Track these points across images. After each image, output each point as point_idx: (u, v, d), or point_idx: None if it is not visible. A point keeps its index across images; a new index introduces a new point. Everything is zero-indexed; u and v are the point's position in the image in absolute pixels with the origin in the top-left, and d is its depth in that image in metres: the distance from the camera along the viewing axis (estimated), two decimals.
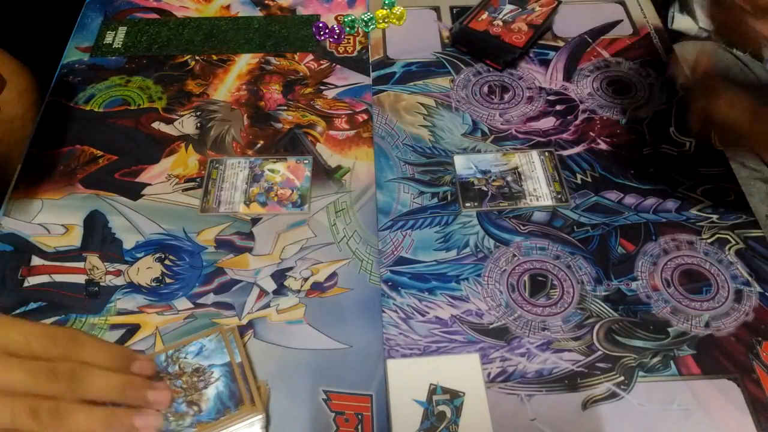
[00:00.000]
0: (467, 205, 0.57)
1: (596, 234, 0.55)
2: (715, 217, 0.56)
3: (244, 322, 0.50)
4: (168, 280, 0.52)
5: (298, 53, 0.70)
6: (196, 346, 0.47)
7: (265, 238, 0.55)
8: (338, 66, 0.69)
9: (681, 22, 0.82)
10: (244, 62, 0.69)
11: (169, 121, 0.64)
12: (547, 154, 0.61)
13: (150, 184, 0.59)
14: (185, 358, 0.46)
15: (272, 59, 0.70)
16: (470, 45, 0.70)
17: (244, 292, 0.52)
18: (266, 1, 0.76)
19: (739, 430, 0.45)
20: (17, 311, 0.51)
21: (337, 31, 0.71)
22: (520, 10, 0.71)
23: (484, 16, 0.71)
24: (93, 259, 0.54)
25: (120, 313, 0.51)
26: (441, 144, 0.62)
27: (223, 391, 0.45)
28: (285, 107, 0.65)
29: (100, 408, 0.39)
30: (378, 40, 0.72)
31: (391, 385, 0.47)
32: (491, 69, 0.69)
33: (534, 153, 0.61)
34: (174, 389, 0.44)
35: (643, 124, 0.63)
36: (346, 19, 0.73)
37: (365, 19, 0.72)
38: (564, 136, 0.62)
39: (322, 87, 0.67)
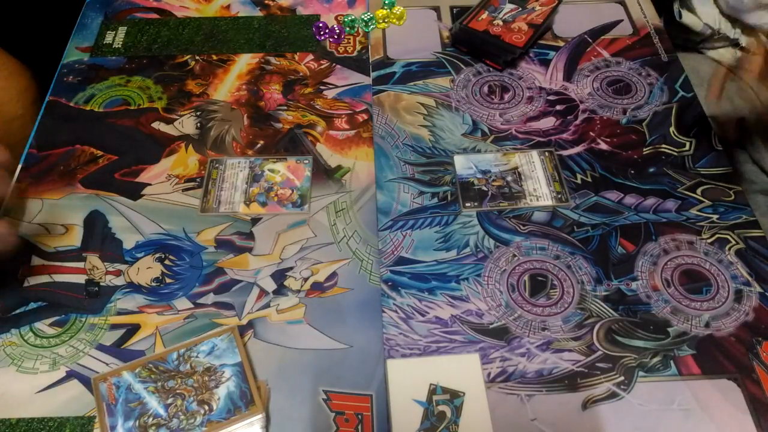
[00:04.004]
0: (467, 205, 0.57)
1: (596, 234, 0.55)
2: (715, 217, 0.56)
3: (244, 322, 0.50)
4: (168, 280, 0.52)
5: (298, 53, 0.70)
6: (207, 345, 0.47)
7: (265, 238, 0.55)
8: (338, 66, 0.69)
9: (688, 17, 0.82)
10: (244, 62, 0.69)
11: (169, 121, 0.64)
12: (547, 154, 0.61)
13: (150, 184, 0.59)
14: (197, 357, 0.46)
15: (272, 59, 0.70)
16: (470, 45, 0.70)
17: (244, 292, 0.52)
18: (266, 1, 0.76)
19: (739, 430, 0.45)
20: (17, 311, 0.51)
21: (337, 31, 0.71)
22: (520, 9, 0.71)
23: (484, 15, 0.71)
24: (93, 259, 0.54)
25: (120, 312, 0.51)
26: (441, 144, 0.62)
27: (234, 391, 0.45)
28: (285, 107, 0.65)
29: None
30: (378, 40, 0.72)
31: (391, 385, 0.47)
32: (491, 69, 0.69)
33: (534, 153, 0.61)
34: (185, 388, 0.44)
35: (643, 124, 0.63)
36: (346, 19, 0.72)
37: (365, 19, 0.72)
38: (564, 136, 0.62)
39: (322, 87, 0.67)
